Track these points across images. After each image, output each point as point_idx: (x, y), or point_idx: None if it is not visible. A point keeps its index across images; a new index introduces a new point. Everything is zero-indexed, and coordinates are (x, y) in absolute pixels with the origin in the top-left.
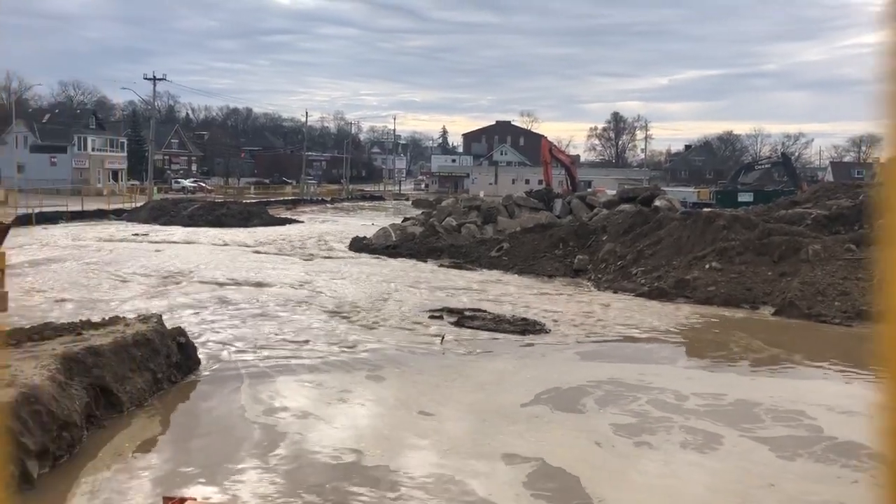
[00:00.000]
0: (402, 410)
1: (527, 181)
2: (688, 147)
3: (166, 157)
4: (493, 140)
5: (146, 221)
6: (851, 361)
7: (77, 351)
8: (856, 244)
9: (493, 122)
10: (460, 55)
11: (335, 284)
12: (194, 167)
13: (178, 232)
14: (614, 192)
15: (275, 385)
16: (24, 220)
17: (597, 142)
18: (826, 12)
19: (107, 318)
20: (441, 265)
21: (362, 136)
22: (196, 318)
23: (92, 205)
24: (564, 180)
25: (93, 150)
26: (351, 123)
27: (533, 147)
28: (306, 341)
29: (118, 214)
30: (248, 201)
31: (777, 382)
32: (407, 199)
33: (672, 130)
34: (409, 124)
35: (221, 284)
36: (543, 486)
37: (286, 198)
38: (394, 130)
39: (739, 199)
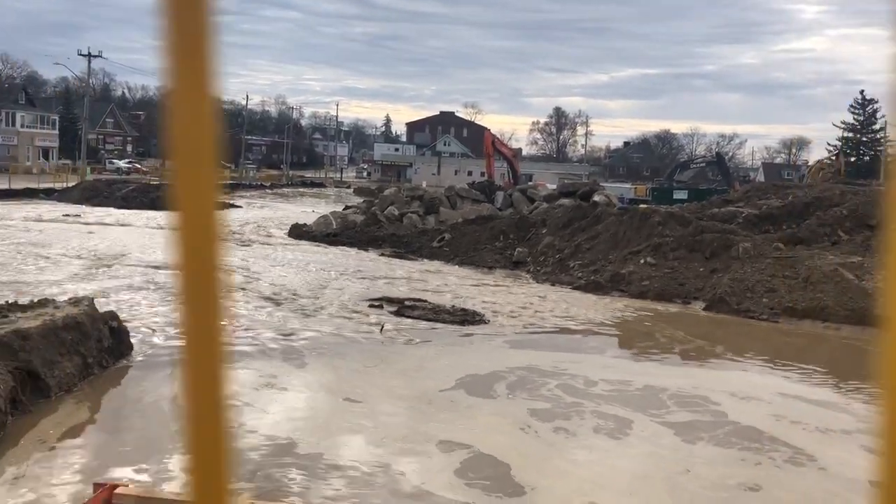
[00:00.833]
0: (332, 397)
1: (469, 173)
2: (626, 144)
3: (101, 137)
4: (436, 130)
5: (78, 202)
6: (770, 355)
7: (3, 334)
8: (784, 243)
9: (437, 113)
10: (406, 43)
11: (273, 271)
12: (130, 148)
13: (111, 214)
14: (555, 186)
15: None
16: None
17: (539, 136)
18: (763, 17)
19: (35, 300)
20: (382, 254)
21: (304, 122)
22: (129, 302)
23: (20, 183)
24: (506, 173)
25: (22, 126)
26: (293, 108)
27: (476, 139)
28: (243, 328)
29: (48, 194)
30: None
31: (686, 370)
32: (348, 187)
33: (612, 127)
34: (352, 111)
35: (156, 268)
36: (477, 475)
37: (224, 182)
38: (336, 117)
39: (675, 197)
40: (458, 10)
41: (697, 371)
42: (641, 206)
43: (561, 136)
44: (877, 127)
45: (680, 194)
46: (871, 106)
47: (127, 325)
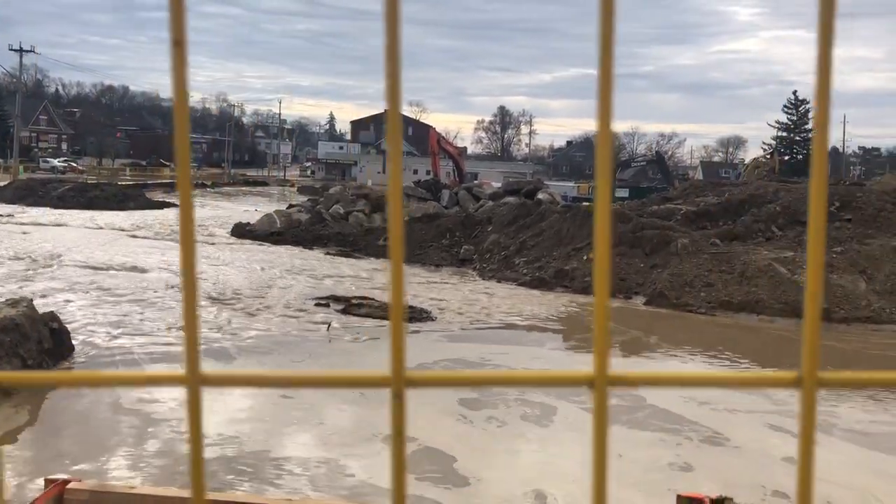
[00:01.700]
0: (275, 396)
1: (415, 171)
2: (569, 143)
3: (34, 135)
4: (381, 128)
5: (11, 202)
6: (702, 346)
7: None
8: (720, 239)
9: (382, 111)
10: (348, 41)
11: (216, 271)
12: (65, 146)
13: (47, 214)
14: (500, 184)
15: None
16: None
17: (483, 135)
18: (699, 18)
19: None
20: (328, 253)
21: (246, 120)
22: (70, 304)
23: None
24: (452, 171)
25: None
26: (234, 105)
27: (421, 137)
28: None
29: None
30: (124, 183)
31: (613, 360)
32: (292, 186)
33: (555, 126)
34: (295, 109)
35: (96, 269)
36: (423, 468)
37: (164, 181)
38: (279, 114)
39: (616, 195)
40: (401, 8)
41: (623, 360)
42: (584, 203)
43: (505, 135)
44: (808, 126)
45: (621, 192)
46: (803, 106)
47: (68, 326)
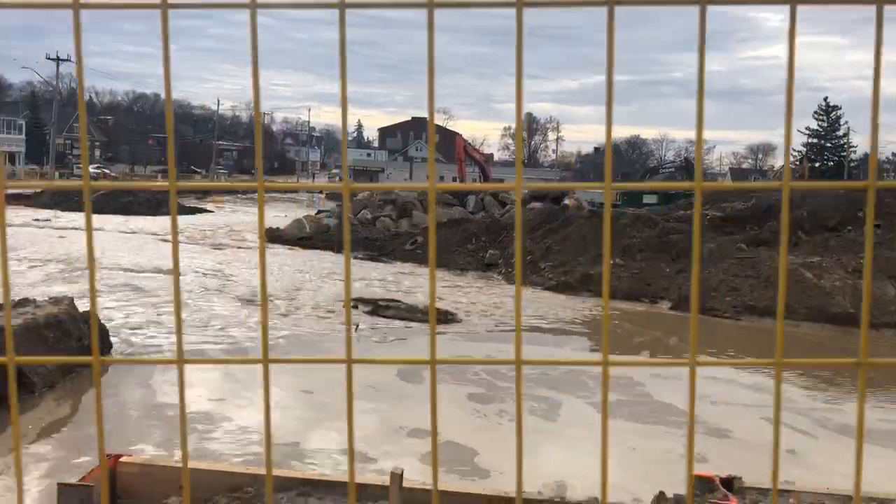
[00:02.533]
0: (303, 393)
1: (441, 178)
2: (597, 150)
3: (68, 142)
4: (408, 136)
5: (48, 207)
6: (719, 347)
7: None
8: (747, 244)
9: (409, 118)
10: (376, 49)
11: (247, 274)
12: (98, 153)
13: (82, 218)
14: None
15: (186, 370)
16: None
17: (510, 141)
18: (729, 25)
19: (15, 300)
20: (356, 257)
21: (275, 127)
22: (107, 304)
23: None
24: (478, 178)
25: None
26: (264, 114)
27: (448, 144)
28: (220, 328)
29: (16, 199)
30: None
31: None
32: (321, 192)
33: (582, 133)
34: (323, 117)
35: (131, 271)
36: (448, 462)
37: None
38: (308, 122)
39: (644, 201)
40: (426, 15)
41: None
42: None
43: (532, 142)
44: (840, 133)
45: (650, 198)
46: (834, 112)
47: (106, 324)
